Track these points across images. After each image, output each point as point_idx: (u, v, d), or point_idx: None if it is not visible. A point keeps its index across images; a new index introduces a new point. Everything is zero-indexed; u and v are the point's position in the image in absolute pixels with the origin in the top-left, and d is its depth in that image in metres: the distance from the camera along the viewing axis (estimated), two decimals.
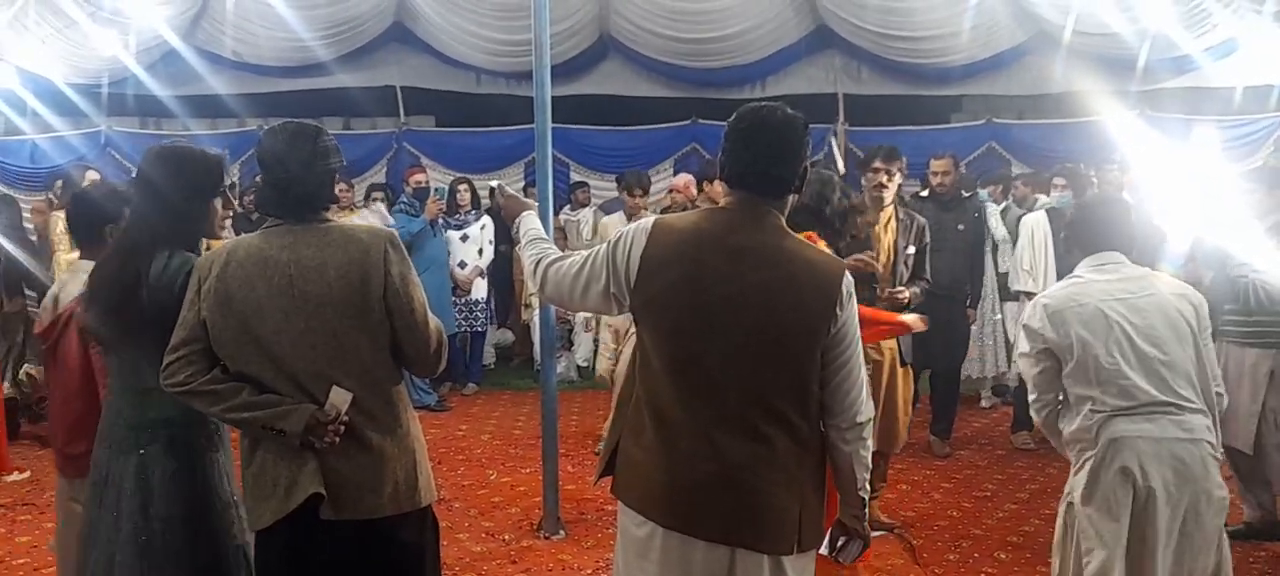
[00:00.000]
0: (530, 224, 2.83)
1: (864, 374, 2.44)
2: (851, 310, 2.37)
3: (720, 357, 2.33)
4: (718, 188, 6.83)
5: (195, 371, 2.52)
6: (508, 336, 9.62)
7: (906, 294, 4.73)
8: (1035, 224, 6.49)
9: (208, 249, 2.82)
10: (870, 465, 2.49)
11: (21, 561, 4.66)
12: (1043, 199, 7.34)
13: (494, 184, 3.24)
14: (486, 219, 8.22)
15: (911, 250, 5.00)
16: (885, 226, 4.97)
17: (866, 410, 2.41)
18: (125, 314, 2.70)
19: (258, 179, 2.71)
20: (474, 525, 5.12)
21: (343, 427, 2.51)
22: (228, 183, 2.98)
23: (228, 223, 3.18)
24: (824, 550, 2.55)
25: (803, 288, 2.33)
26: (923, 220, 5.14)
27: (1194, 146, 8.59)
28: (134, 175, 2.88)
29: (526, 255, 2.73)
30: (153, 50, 9.85)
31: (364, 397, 2.55)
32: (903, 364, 4.89)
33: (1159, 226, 5.08)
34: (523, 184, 10.36)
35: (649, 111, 11.13)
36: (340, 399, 2.51)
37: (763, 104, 2.45)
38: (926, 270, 5.12)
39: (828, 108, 10.76)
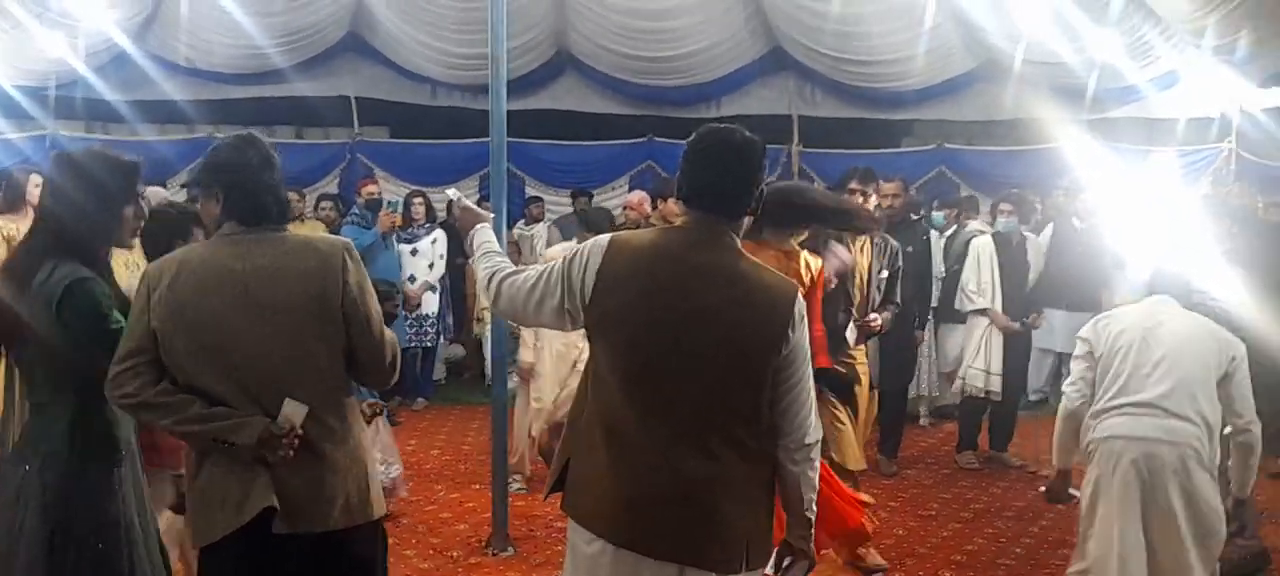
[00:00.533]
0: (484, 237, 2.81)
1: (813, 396, 2.46)
2: (803, 332, 2.41)
3: (675, 375, 2.35)
4: (671, 205, 6.88)
5: (144, 383, 2.46)
6: (459, 351, 9.56)
7: (878, 322, 4.76)
8: (981, 247, 6.62)
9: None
10: (817, 486, 2.50)
11: None
12: (973, 224, 7.53)
13: (451, 194, 3.21)
14: (439, 232, 8.17)
15: (884, 274, 5.04)
16: (861, 250, 5.00)
17: (815, 431, 2.44)
18: (5, 328, 2.65)
19: (212, 188, 2.63)
20: (422, 542, 5.08)
21: (297, 442, 2.47)
22: (138, 190, 2.93)
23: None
24: (769, 569, 2.57)
25: (757, 308, 2.36)
26: (896, 244, 5.18)
27: (1150, 173, 8.74)
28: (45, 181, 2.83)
29: (480, 268, 2.72)
30: (102, 53, 9.67)
31: (319, 408, 2.52)
32: (870, 387, 4.99)
33: (1114, 252, 5.19)
34: (477, 197, 10.32)
35: (605, 128, 11.15)
36: (295, 412, 2.47)
37: (722, 125, 2.49)
38: (897, 294, 5.16)
39: (782, 129, 10.86)
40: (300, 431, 2.48)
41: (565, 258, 2.52)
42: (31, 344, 2.64)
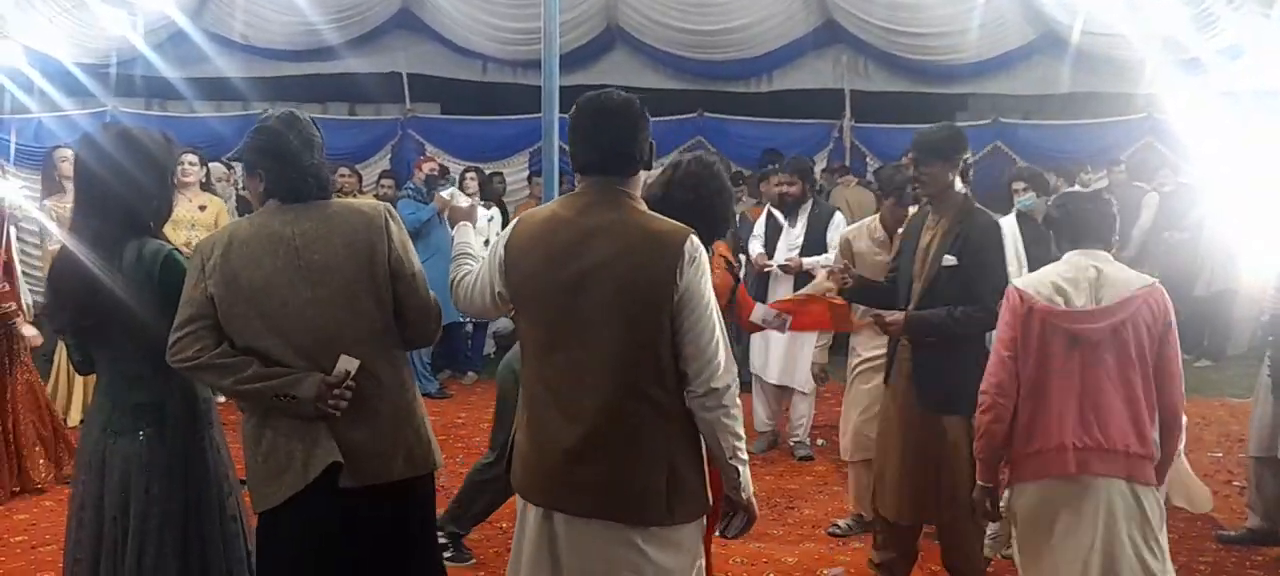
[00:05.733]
0: (463, 237, 2.93)
1: (719, 339, 2.42)
2: (695, 274, 2.38)
3: (578, 335, 2.41)
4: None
5: (204, 346, 2.55)
6: (507, 325, 9.61)
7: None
8: (1003, 227, 6.36)
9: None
10: (740, 433, 2.46)
11: (20, 538, 4.69)
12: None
13: (445, 195, 3.30)
14: (494, 210, 8.22)
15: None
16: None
17: (721, 377, 2.40)
18: (98, 306, 2.70)
19: (256, 169, 2.71)
20: None
21: (349, 393, 2.54)
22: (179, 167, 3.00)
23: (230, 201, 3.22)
24: (718, 529, 2.60)
25: (645, 253, 2.39)
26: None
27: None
28: (86, 159, 2.80)
29: (451, 270, 2.82)
30: (160, 31, 9.86)
31: (372, 363, 2.60)
32: None
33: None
34: (528, 173, 10.36)
35: (655, 103, 10.95)
36: (348, 364, 2.55)
37: (597, 92, 2.55)
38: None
39: (834, 103, 10.75)
40: (352, 383, 2.55)
41: (492, 247, 2.61)
42: (122, 321, 2.71)
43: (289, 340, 2.56)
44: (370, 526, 2.63)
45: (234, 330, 2.57)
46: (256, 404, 2.60)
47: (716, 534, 2.64)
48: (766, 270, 6.26)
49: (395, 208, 3.06)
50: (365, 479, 2.58)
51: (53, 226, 5.99)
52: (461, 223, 2.99)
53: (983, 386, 3.14)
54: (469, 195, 8.05)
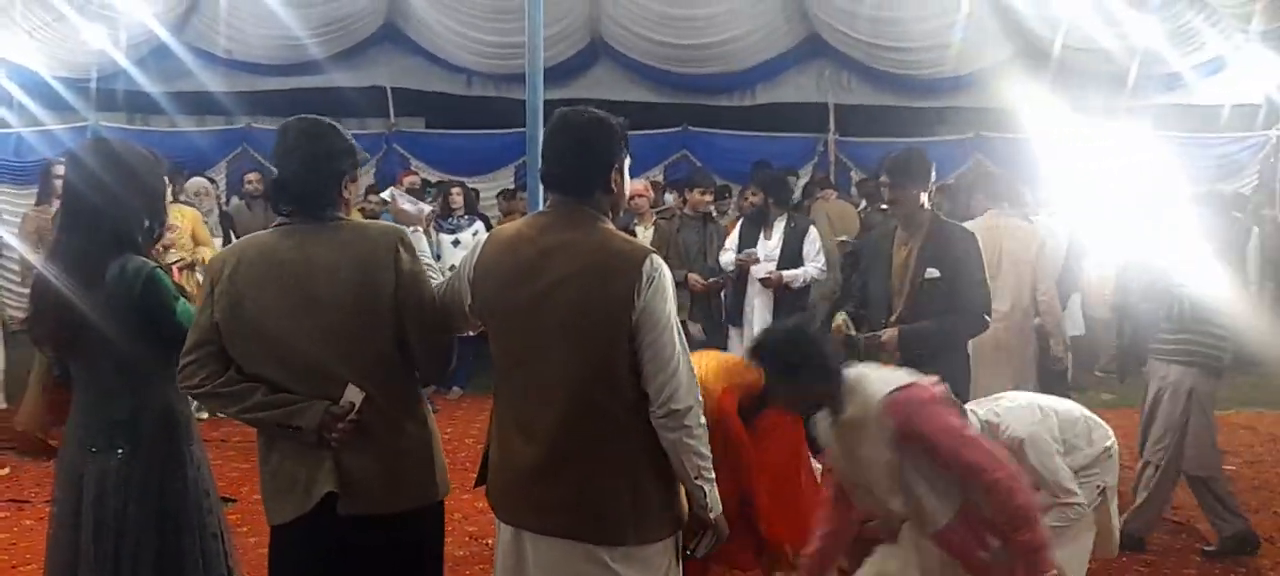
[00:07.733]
0: (417, 246, 2.82)
1: (680, 360, 2.39)
2: (654, 295, 2.36)
3: (539, 353, 2.41)
4: (698, 195, 6.89)
5: (210, 374, 2.53)
6: None
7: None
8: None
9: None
10: (704, 454, 2.44)
11: (1, 557, 4.64)
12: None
13: (388, 193, 3.25)
14: (479, 224, 8.21)
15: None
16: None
17: (682, 398, 2.37)
18: (74, 321, 2.68)
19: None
20: (457, 529, 5.10)
21: (352, 425, 2.51)
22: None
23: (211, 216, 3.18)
24: (688, 549, 2.58)
25: (603, 276, 2.38)
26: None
27: (1160, 163, 8.41)
28: (72, 177, 2.80)
29: None
30: (142, 45, 9.81)
31: (377, 395, 2.55)
32: None
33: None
34: (513, 187, 10.37)
35: (640, 117, 11.10)
36: (354, 395, 2.52)
37: (569, 108, 2.52)
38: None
39: (818, 117, 10.79)
40: (358, 414, 2.51)
41: (465, 258, 2.61)
42: (97, 337, 2.69)
43: (292, 368, 2.52)
44: (372, 554, 2.60)
45: (238, 355, 2.54)
46: (263, 429, 2.59)
47: (686, 553, 2.60)
48: (751, 269, 6.34)
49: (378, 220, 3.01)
50: (362, 508, 2.55)
51: (17, 242, 6.01)
52: (412, 229, 2.90)
53: None
54: (454, 209, 8.04)
